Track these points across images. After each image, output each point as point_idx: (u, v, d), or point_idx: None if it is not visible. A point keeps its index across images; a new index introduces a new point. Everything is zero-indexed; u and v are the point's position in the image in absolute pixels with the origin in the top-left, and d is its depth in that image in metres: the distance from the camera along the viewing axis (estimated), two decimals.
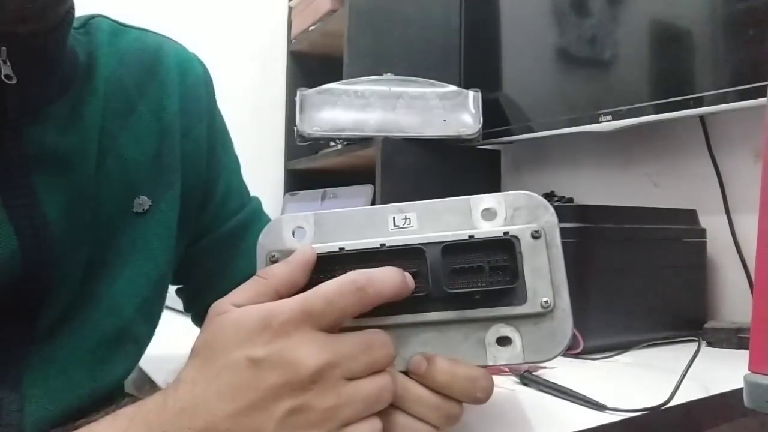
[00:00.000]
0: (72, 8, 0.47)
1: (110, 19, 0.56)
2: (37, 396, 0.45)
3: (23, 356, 0.46)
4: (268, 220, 0.65)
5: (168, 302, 0.58)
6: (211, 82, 0.61)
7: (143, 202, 0.53)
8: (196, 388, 0.33)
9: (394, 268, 0.37)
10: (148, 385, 0.66)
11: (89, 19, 0.54)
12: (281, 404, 0.32)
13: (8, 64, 0.42)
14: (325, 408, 0.33)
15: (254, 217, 0.64)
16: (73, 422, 0.44)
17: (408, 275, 0.37)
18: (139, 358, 0.56)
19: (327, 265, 0.38)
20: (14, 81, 0.43)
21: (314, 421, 0.33)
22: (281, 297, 0.36)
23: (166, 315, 0.59)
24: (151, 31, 0.58)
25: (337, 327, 0.35)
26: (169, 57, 0.57)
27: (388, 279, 0.36)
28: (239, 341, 0.34)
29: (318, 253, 0.38)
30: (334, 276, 0.37)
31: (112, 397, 0.53)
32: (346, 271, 0.38)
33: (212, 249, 0.61)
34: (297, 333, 0.33)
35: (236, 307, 0.35)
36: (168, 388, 0.35)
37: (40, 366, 0.46)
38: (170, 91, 0.56)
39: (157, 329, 0.58)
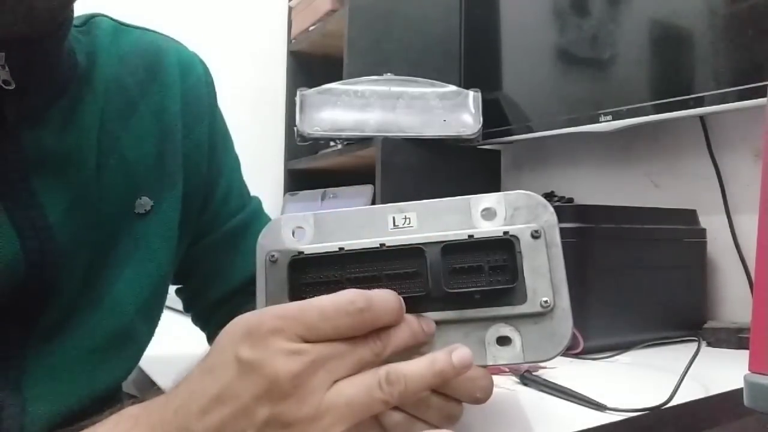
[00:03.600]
0: (71, 12, 0.47)
1: (111, 19, 0.55)
2: (37, 397, 0.45)
3: (24, 357, 0.46)
4: (269, 220, 0.64)
5: (168, 302, 0.58)
6: (212, 81, 0.61)
7: (145, 202, 0.52)
8: (192, 386, 0.34)
9: (393, 292, 0.36)
10: (150, 386, 0.66)
11: (90, 18, 0.54)
12: (261, 411, 0.32)
13: (7, 69, 0.42)
14: (303, 417, 0.32)
15: (254, 218, 0.64)
16: (74, 423, 0.44)
17: (400, 299, 0.36)
18: (139, 359, 0.56)
19: (327, 266, 0.38)
20: (13, 86, 0.43)
21: (292, 430, 0.32)
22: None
23: (166, 315, 0.59)
24: (152, 31, 0.58)
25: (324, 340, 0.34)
26: (170, 57, 0.57)
27: (389, 306, 0.35)
28: (232, 342, 0.34)
29: (317, 254, 0.38)
30: (333, 276, 0.37)
31: (111, 398, 0.53)
32: (345, 271, 0.38)
33: (212, 249, 0.61)
34: (280, 340, 0.33)
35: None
36: (173, 388, 0.35)
37: (40, 367, 0.46)
38: (171, 92, 0.55)
39: (158, 329, 0.58)
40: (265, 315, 0.34)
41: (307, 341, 0.33)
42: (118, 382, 0.53)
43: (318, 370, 0.33)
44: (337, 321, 0.33)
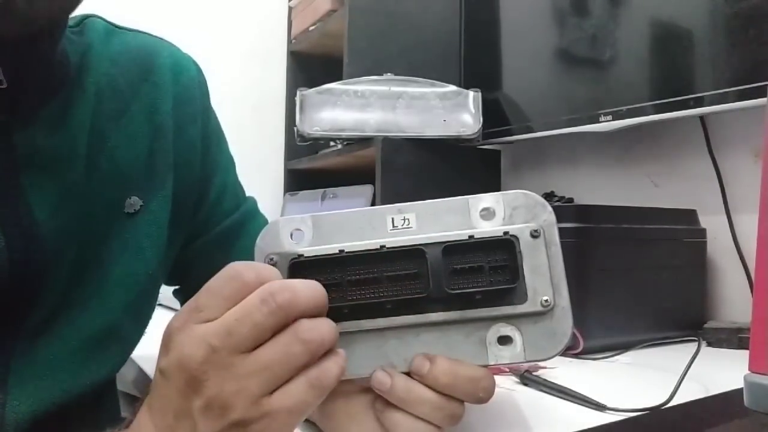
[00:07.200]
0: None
1: (104, 20, 0.56)
2: (20, 393, 0.45)
3: (9, 354, 0.46)
4: (264, 220, 0.65)
5: (168, 303, 0.58)
6: (205, 82, 0.61)
7: (134, 202, 0.52)
8: (144, 408, 0.36)
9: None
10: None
11: (83, 19, 0.54)
12: (194, 404, 0.33)
13: None
14: (231, 392, 0.32)
15: (249, 217, 0.63)
16: (57, 418, 0.44)
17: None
18: (127, 357, 0.56)
19: (327, 268, 0.38)
20: (4, 86, 0.43)
21: (229, 407, 0.32)
22: None
23: (166, 315, 0.59)
24: (144, 33, 0.58)
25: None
26: (162, 58, 0.57)
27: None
28: (158, 358, 0.35)
29: (317, 256, 0.38)
30: (333, 278, 0.37)
31: (97, 396, 0.53)
32: (346, 273, 0.38)
33: (207, 249, 0.61)
34: (184, 332, 0.33)
35: None
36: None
37: (25, 363, 0.46)
38: (163, 92, 0.55)
39: (158, 329, 0.58)
40: (172, 321, 0.35)
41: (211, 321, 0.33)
42: (105, 379, 0.53)
43: (221, 348, 0.32)
44: (222, 290, 0.34)
